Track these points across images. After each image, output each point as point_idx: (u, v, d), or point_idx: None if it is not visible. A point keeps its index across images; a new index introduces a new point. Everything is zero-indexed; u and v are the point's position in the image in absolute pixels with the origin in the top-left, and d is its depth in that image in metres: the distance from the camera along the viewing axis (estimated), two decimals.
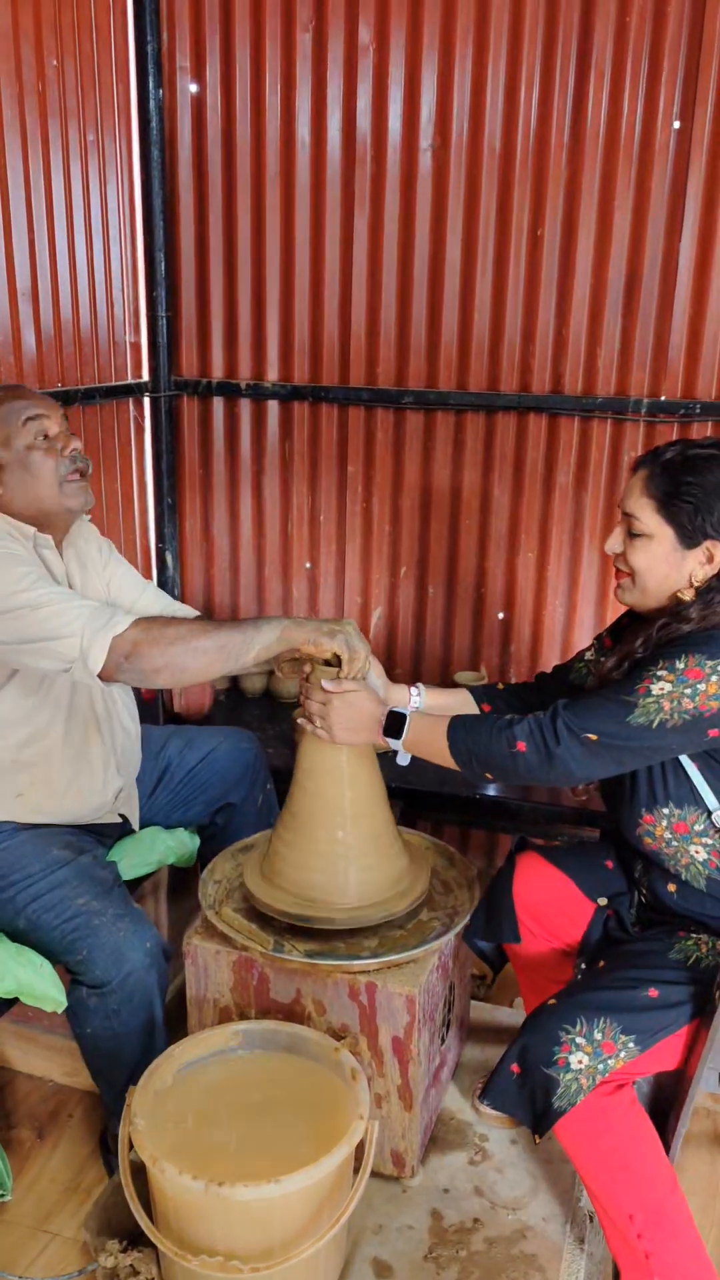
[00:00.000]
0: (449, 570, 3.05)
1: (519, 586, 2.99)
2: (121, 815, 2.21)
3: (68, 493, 1.98)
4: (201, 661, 1.77)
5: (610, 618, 2.93)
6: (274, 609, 3.26)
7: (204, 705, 3.00)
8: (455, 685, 2.97)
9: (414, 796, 2.70)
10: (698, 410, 2.70)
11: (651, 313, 2.71)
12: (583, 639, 2.96)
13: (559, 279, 2.76)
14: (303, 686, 1.93)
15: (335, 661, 1.90)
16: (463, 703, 2.02)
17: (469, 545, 3.01)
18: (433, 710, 1.95)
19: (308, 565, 3.20)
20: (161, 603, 2.27)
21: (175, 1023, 2.15)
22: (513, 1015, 2.44)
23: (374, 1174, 1.95)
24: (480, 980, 2.62)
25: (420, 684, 2.02)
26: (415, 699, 1.99)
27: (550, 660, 3.00)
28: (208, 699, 3.02)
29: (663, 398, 2.75)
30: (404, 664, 3.15)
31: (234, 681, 3.21)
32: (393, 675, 3.16)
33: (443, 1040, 2.05)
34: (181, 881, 2.51)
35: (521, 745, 1.67)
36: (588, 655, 2.00)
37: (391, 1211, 1.91)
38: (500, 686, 2.06)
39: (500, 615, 3.03)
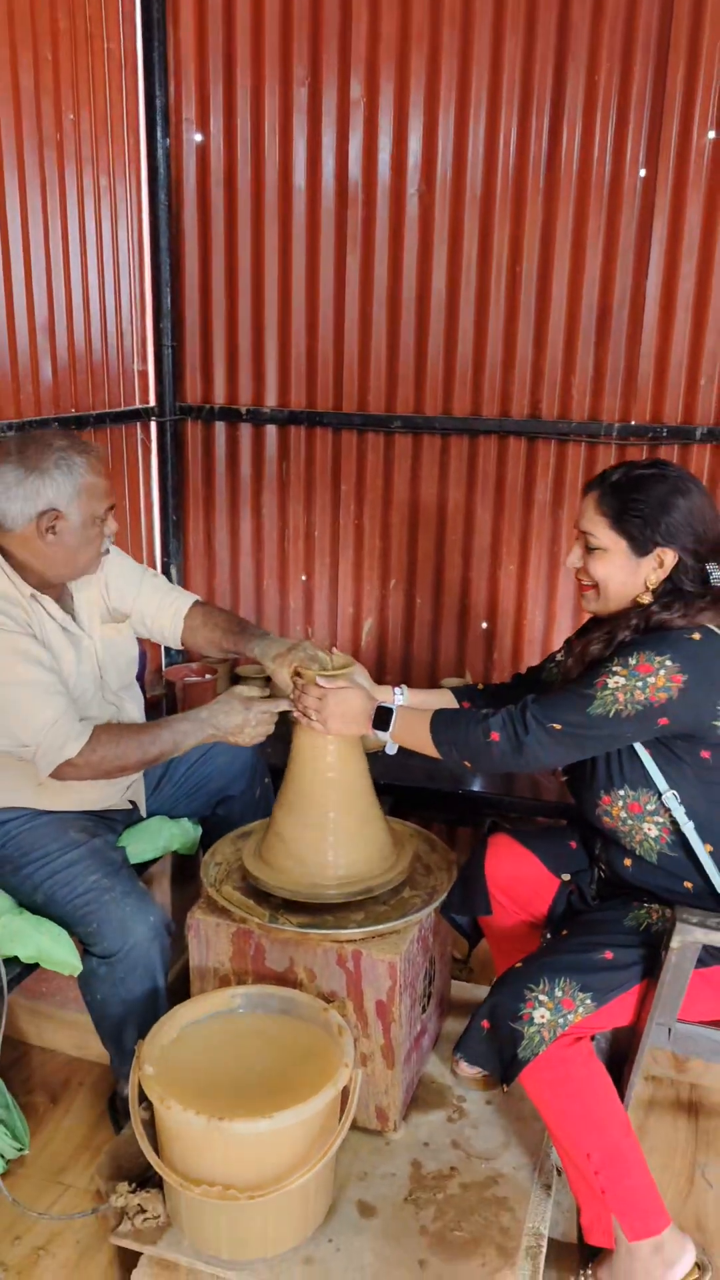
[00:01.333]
0: (436, 582, 3.25)
1: (501, 597, 3.19)
2: (131, 802, 2.40)
3: (96, 564, 2.20)
4: (134, 770, 2.14)
5: None
6: (270, 618, 3.46)
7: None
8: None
9: (403, 792, 2.89)
10: (665, 433, 2.91)
11: (621, 343, 2.92)
12: (560, 644, 3.16)
13: (536, 311, 2.98)
14: (297, 684, 2.13)
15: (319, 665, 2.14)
16: (444, 701, 2.22)
17: (454, 559, 3.21)
18: (416, 707, 2.16)
19: (303, 578, 3.40)
20: (160, 593, 2.42)
21: (180, 998, 2.33)
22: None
23: (359, 1128, 2.14)
24: (461, 963, 2.81)
25: (403, 685, 2.23)
26: (399, 697, 2.19)
27: (532, 662, 3.19)
28: (209, 699, 3.22)
29: (633, 422, 2.96)
30: (394, 671, 3.35)
31: (234, 680, 3.41)
32: (382, 681, 3.36)
33: (424, 1009, 2.23)
34: (185, 868, 2.70)
35: (495, 735, 1.86)
36: (559, 657, 2.20)
37: (375, 1161, 2.09)
38: (480, 687, 2.26)
39: (484, 624, 3.23)
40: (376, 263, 3.09)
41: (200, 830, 2.58)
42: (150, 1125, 1.88)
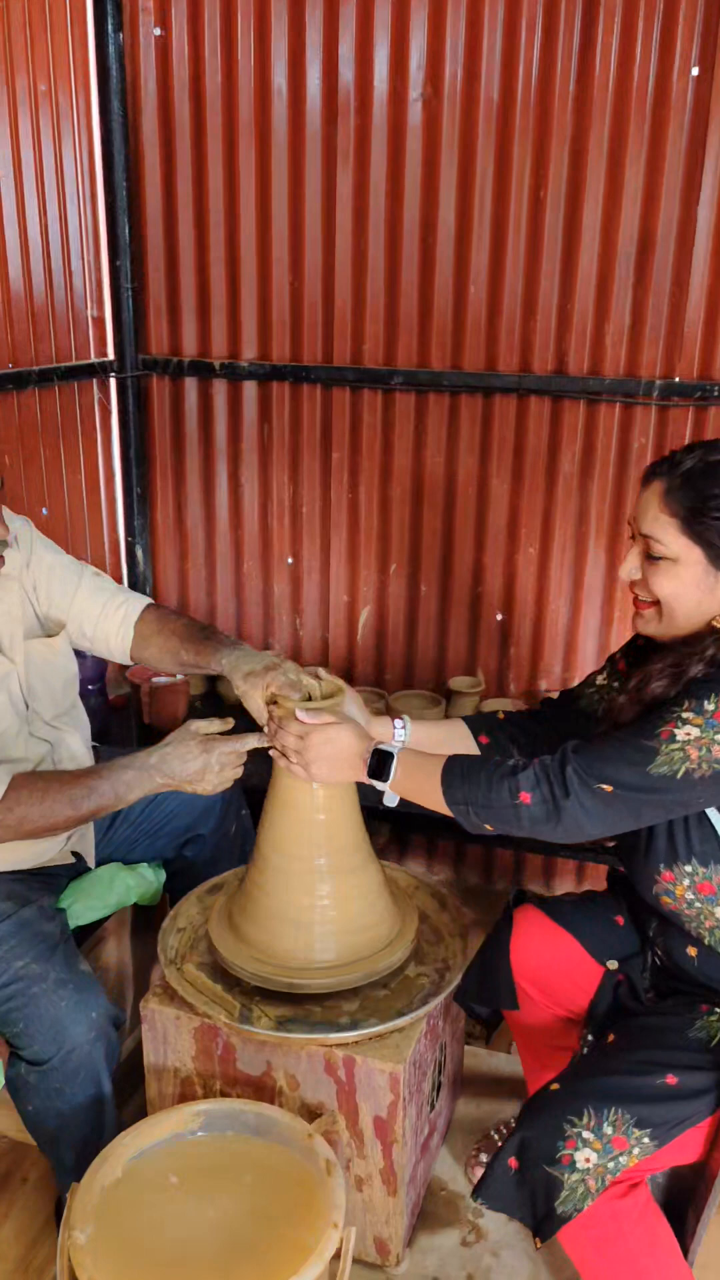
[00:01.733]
0: (443, 567, 2.81)
1: (519, 585, 2.75)
2: (75, 854, 1.98)
3: None
4: (63, 827, 1.73)
5: (619, 618, 2.69)
6: (253, 607, 3.02)
7: (178, 715, 2.77)
8: (450, 691, 2.76)
9: (402, 816, 2.47)
10: (716, 393, 2.45)
11: (665, 283, 2.44)
12: (587, 642, 2.72)
13: (564, 246, 2.50)
14: (273, 717, 1.69)
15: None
16: (455, 737, 1.78)
17: (464, 540, 2.76)
18: (422, 746, 1.72)
19: (289, 560, 2.95)
20: (104, 595, 1.96)
21: (135, 1078, 1.94)
22: (510, 1062, 2.23)
23: (356, 1261, 1.75)
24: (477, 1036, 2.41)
25: (405, 716, 1.79)
26: (400, 732, 1.75)
27: (553, 665, 2.76)
28: (181, 709, 2.79)
29: (677, 379, 2.49)
30: (395, 669, 2.92)
31: (211, 687, 2.98)
32: (383, 681, 2.94)
33: (432, 1107, 1.83)
34: (148, 917, 2.28)
35: (526, 796, 1.43)
36: (599, 680, 1.76)
37: None
38: (500, 716, 1.82)
39: (499, 616, 2.79)
40: (372, 186, 2.60)
41: (163, 876, 2.16)
42: None
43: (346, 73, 2.54)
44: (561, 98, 2.41)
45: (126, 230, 2.79)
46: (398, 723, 1.77)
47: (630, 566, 1.51)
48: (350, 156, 2.59)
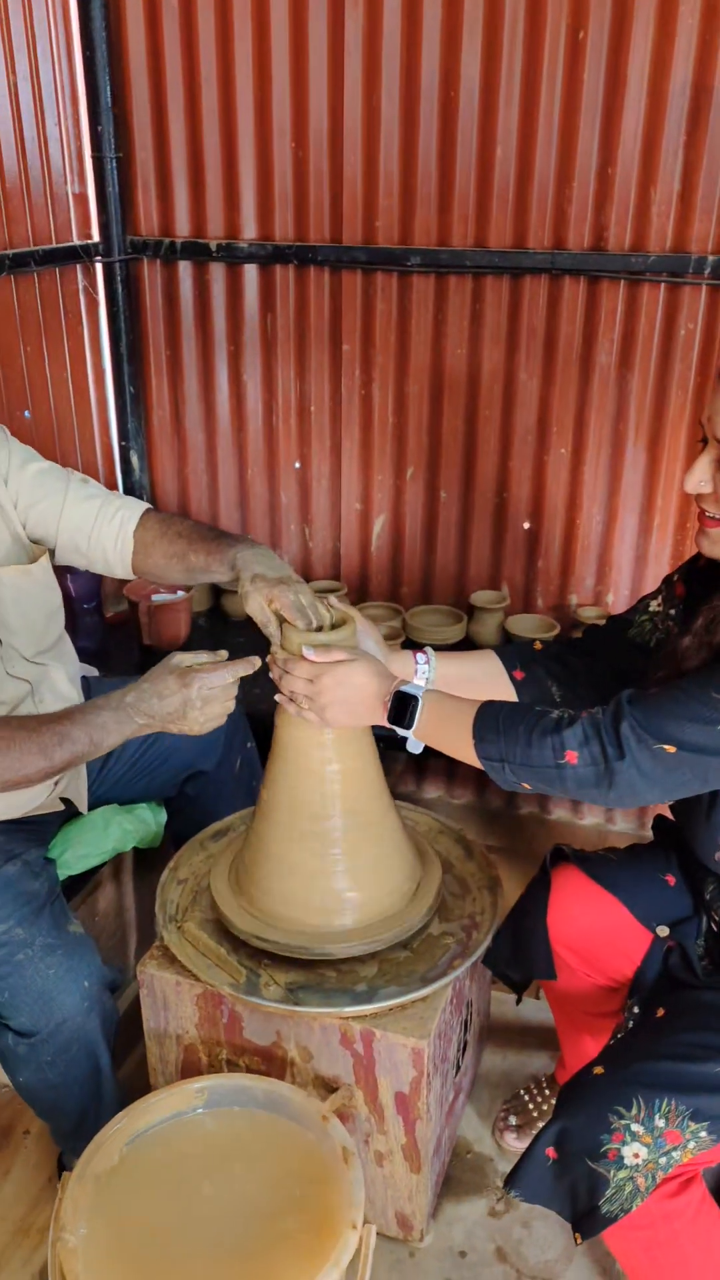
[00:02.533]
0: (465, 471, 2.55)
1: (548, 490, 2.49)
2: (64, 800, 1.80)
3: None
4: (38, 781, 1.53)
5: (658, 525, 2.44)
6: (259, 516, 2.79)
7: (180, 635, 2.57)
8: (472, 607, 2.54)
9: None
10: None
11: None
12: (623, 553, 2.49)
13: (604, 99, 2.17)
14: (275, 656, 1.49)
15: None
16: (488, 672, 1.57)
17: (489, 441, 2.50)
18: (449, 684, 1.51)
19: (297, 465, 2.70)
20: (95, 502, 1.72)
21: (133, 1032, 1.80)
22: (539, 1009, 2.08)
23: (378, 1235, 1.63)
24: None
25: (429, 650, 1.57)
26: (422, 668, 1.54)
27: (584, 577, 2.53)
28: (184, 628, 2.58)
29: None
30: (412, 583, 2.69)
31: (215, 602, 2.77)
32: (399, 596, 2.72)
33: (457, 1070, 1.69)
34: (150, 859, 2.12)
35: (573, 755, 1.23)
36: (653, 606, 1.54)
37: None
38: (538, 647, 1.60)
39: (526, 525, 2.54)
40: (385, 35, 2.26)
41: (164, 817, 2.00)
42: None
43: None
44: None
45: (108, 91, 2.45)
46: (420, 658, 1.56)
47: (699, 477, 1.28)
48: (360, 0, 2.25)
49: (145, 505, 1.76)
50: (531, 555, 2.57)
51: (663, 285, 2.27)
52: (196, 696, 1.50)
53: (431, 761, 2.85)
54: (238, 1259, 1.28)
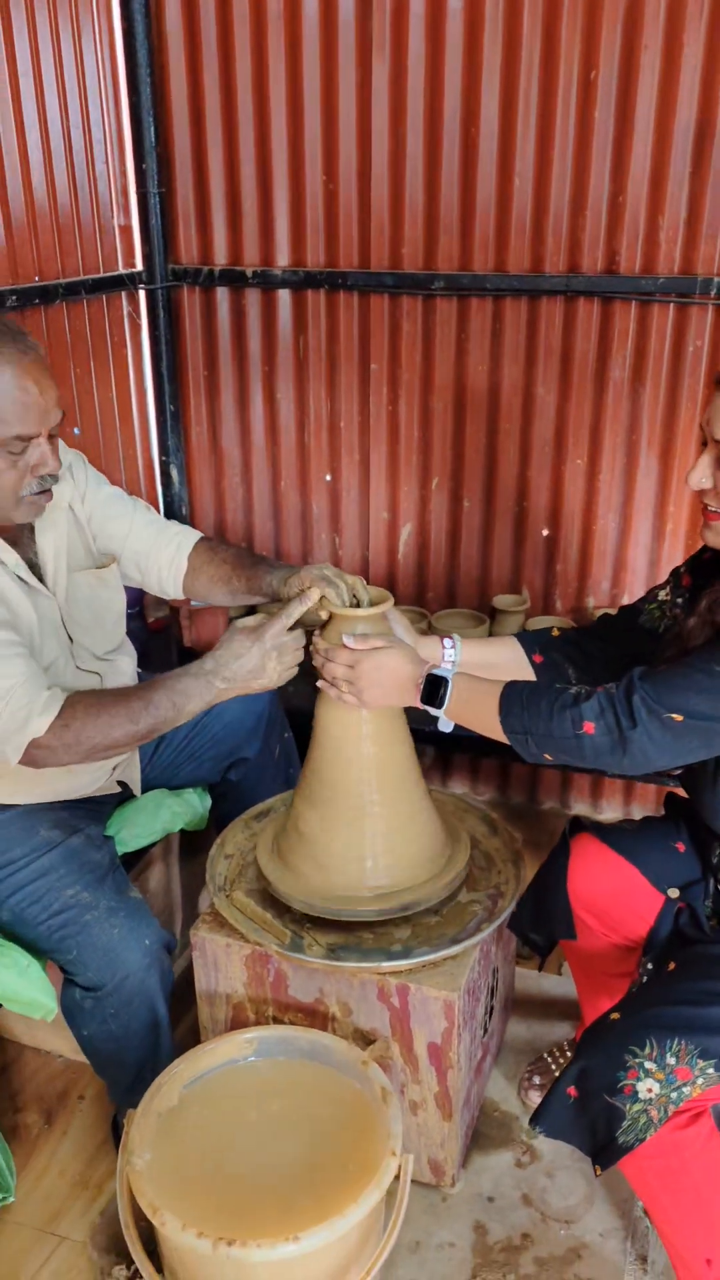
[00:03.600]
0: (487, 481, 2.70)
1: (566, 499, 2.64)
2: (120, 783, 1.95)
3: (23, 511, 1.63)
4: (125, 748, 1.63)
5: (671, 531, 2.58)
6: (291, 527, 2.94)
7: (219, 636, 2.72)
8: (494, 610, 2.68)
9: (446, 737, 2.42)
10: None
11: None
12: (638, 557, 2.63)
13: (615, 135, 2.33)
14: (317, 646, 1.64)
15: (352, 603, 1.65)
16: (509, 656, 1.71)
17: (509, 453, 2.65)
18: (474, 668, 1.65)
19: (328, 477, 2.86)
20: (155, 528, 1.92)
21: (187, 997, 1.94)
22: (561, 984, 2.22)
23: (411, 1182, 1.75)
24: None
25: (455, 636, 1.72)
26: (449, 652, 1.69)
27: (601, 581, 2.67)
28: (222, 629, 2.74)
29: None
30: (437, 587, 2.84)
31: (251, 609, 2.93)
32: (425, 601, 2.87)
33: (485, 1031, 1.82)
34: (196, 843, 2.27)
35: (590, 726, 1.37)
36: (661, 595, 1.68)
37: (430, 1225, 1.71)
38: (555, 633, 1.75)
39: (545, 532, 2.69)
40: (410, 77, 2.43)
41: (209, 801, 2.14)
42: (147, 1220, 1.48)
43: None
44: None
45: (152, 132, 2.64)
46: (447, 642, 1.71)
47: (700, 474, 1.42)
48: (386, 46, 2.42)
49: (199, 534, 1.95)
50: (550, 560, 2.72)
51: (672, 305, 2.42)
52: (271, 647, 1.60)
53: (456, 758, 2.99)
54: (289, 1179, 1.42)
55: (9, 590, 1.66)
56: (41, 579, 1.73)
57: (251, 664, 1.61)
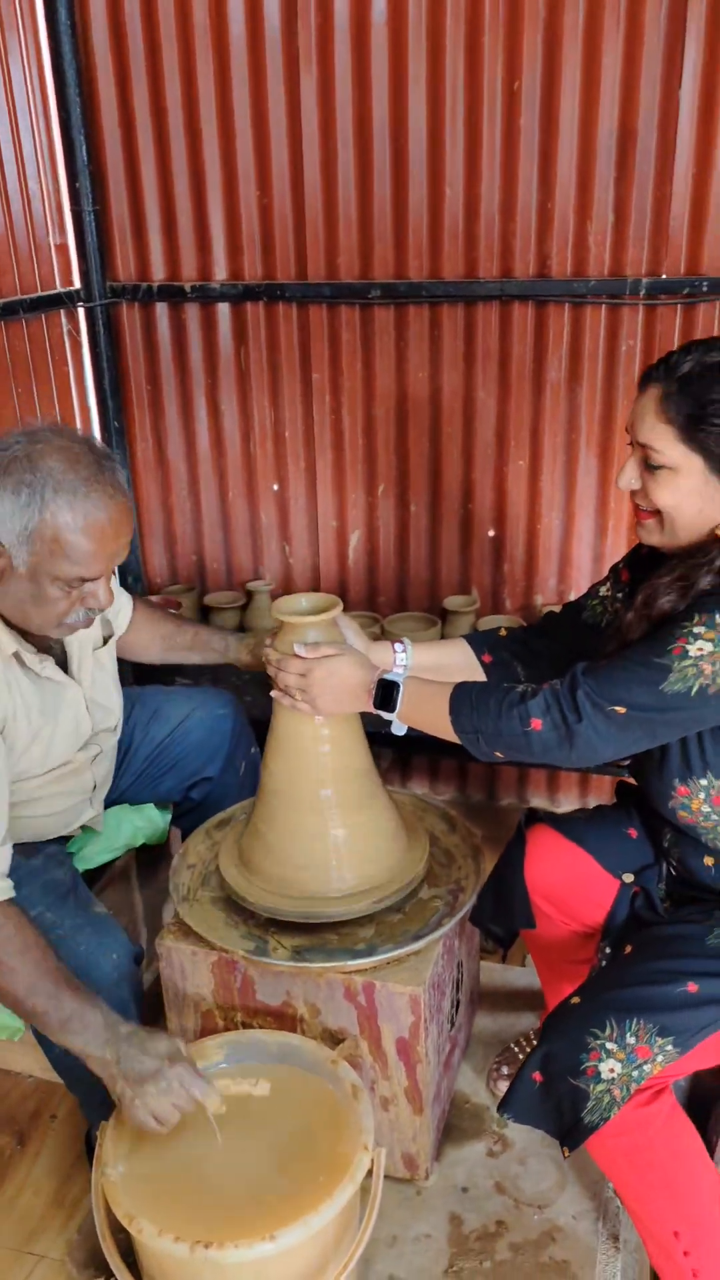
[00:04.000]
0: (432, 485, 2.74)
1: (510, 499, 2.69)
2: (84, 828, 1.96)
3: (61, 631, 1.62)
4: (6, 1000, 1.51)
5: (613, 527, 2.64)
6: (240, 537, 2.96)
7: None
8: (445, 612, 2.72)
9: (404, 739, 2.45)
10: (704, 288, 2.36)
11: (649, 175, 2.34)
12: (582, 553, 2.68)
13: (541, 141, 2.38)
14: (269, 657, 1.66)
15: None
16: (459, 658, 1.75)
17: (452, 456, 2.69)
18: (425, 670, 1.69)
19: (275, 487, 2.88)
20: (124, 615, 2.01)
21: (155, 1010, 1.95)
22: (525, 975, 2.25)
23: (386, 1177, 1.78)
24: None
25: (405, 640, 1.75)
26: (400, 656, 1.72)
27: (548, 579, 2.72)
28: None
29: (664, 276, 2.40)
30: (388, 592, 2.87)
31: (204, 614, 2.93)
32: (376, 605, 2.90)
33: (452, 1025, 1.85)
34: (153, 859, 2.27)
35: (537, 723, 1.41)
36: (602, 591, 1.73)
37: (406, 1219, 1.74)
38: (503, 633, 1.79)
39: (491, 533, 2.74)
40: (338, 90, 2.47)
41: (170, 816, 2.15)
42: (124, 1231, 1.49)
43: None
44: None
45: (84, 150, 2.65)
46: (398, 646, 1.74)
47: (628, 476, 1.47)
48: (313, 59, 2.46)
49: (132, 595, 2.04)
50: (498, 560, 2.76)
51: (604, 307, 2.47)
52: (166, 1079, 1.43)
53: (415, 759, 3.03)
54: (264, 1181, 1.44)
55: (32, 702, 1.67)
56: (66, 668, 1.76)
57: (143, 1069, 1.44)
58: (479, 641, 1.77)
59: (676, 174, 2.32)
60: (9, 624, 1.61)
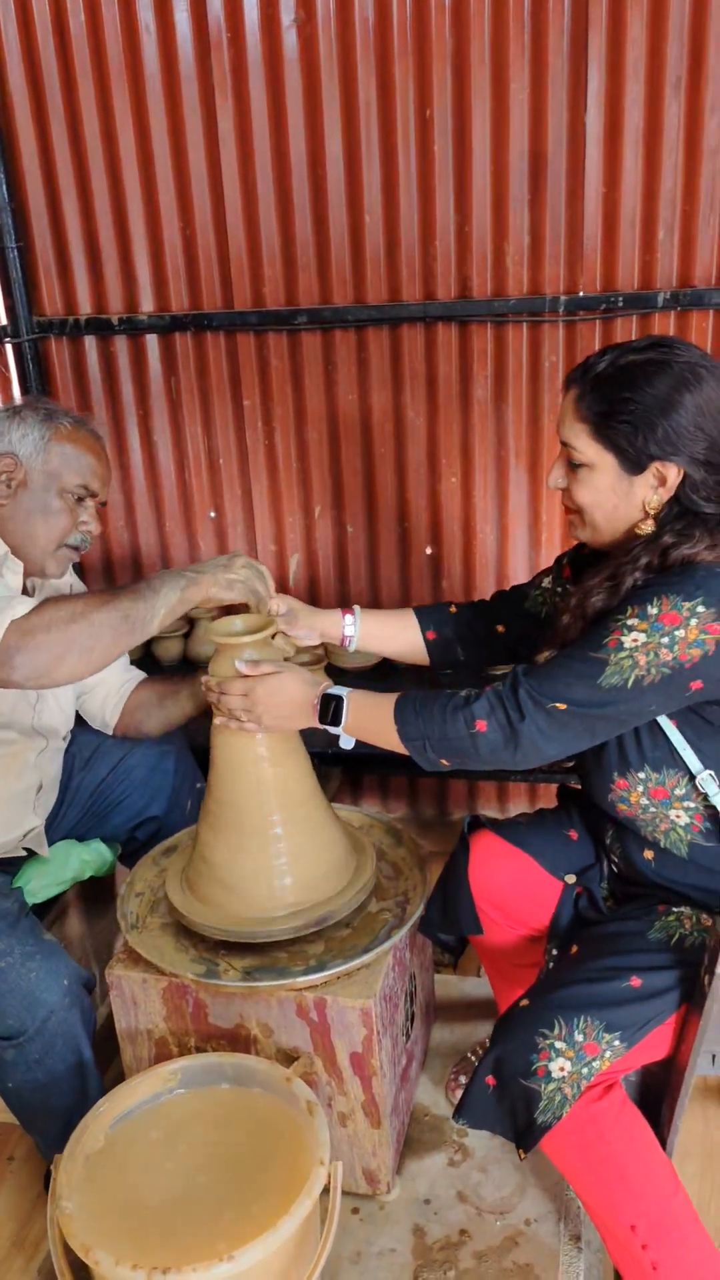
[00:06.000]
0: (368, 505, 2.78)
1: (445, 516, 2.73)
2: (27, 849, 1.95)
3: (54, 562, 1.86)
4: (107, 638, 1.58)
5: (546, 540, 2.69)
6: (179, 565, 2.95)
7: None
8: None
9: (352, 758, 2.47)
10: (620, 303, 2.43)
11: (561, 196, 2.41)
12: (518, 564, 2.73)
13: (455, 167, 2.44)
14: (209, 683, 1.67)
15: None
16: (406, 626, 1.82)
17: (386, 476, 2.73)
18: (373, 639, 1.78)
19: (212, 514, 2.90)
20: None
21: (109, 1048, 1.93)
22: (480, 985, 2.27)
23: (347, 1193, 1.78)
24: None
25: (357, 608, 1.80)
26: (349, 628, 1.76)
27: (484, 594, 2.75)
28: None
29: (581, 293, 2.47)
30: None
31: (146, 648, 2.93)
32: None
33: (407, 1037, 1.86)
34: (99, 892, 2.26)
35: (482, 724, 1.43)
36: (545, 582, 1.77)
37: (369, 1234, 1.74)
38: (453, 610, 1.84)
39: (428, 550, 2.77)
40: (255, 122, 2.51)
41: (118, 849, 2.14)
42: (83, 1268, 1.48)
43: (215, 2, 2.43)
44: (438, 10, 2.33)
45: (4, 188, 2.66)
46: (348, 618, 1.78)
47: (555, 475, 1.52)
48: (228, 93, 2.50)
49: (143, 674, 2.17)
50: (436, 577, 2.80)
51: (525, 325, 2.53)
52: (231, 561, 1.72)
53: (366, 778, 3.04)
54: (221, 1203, 1.43)
55: None
56: None
57: (221, 562, 1.72)
58: (427, 617, 1.84)
59: (587, 194, 2.39)
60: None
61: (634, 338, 2.45)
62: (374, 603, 2.86)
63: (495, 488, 2.68)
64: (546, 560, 2.70)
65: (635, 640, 1.37)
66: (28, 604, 1.56)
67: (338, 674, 2.65)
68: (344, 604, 2.86)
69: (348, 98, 2.44)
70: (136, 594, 1.62)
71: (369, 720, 1.56)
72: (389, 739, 1.53)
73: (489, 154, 2.42)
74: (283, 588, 2.90)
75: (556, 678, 1.43)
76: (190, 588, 1.65)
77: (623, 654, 1.37)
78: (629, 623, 1.38)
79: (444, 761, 1.50)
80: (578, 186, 2.39)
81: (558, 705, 1.41)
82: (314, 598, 2.90)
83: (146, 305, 2.74)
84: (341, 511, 2.80)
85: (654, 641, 1.36)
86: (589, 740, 1.46)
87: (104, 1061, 2.02)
